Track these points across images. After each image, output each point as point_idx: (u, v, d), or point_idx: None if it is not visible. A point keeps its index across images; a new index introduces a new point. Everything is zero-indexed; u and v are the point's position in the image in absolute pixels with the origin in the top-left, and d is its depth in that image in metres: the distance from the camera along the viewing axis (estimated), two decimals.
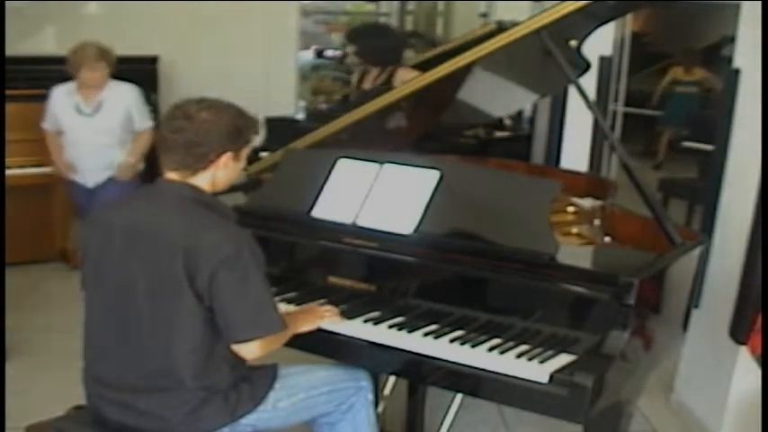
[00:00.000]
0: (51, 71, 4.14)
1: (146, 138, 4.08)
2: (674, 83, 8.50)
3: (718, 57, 8.30)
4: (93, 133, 3.96)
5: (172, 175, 1.94)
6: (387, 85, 3.86)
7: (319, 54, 10.91)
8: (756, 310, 2.63)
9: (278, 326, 1.90)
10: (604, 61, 4.05)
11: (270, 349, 1.93)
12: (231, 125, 1.93)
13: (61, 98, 3.99)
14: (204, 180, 1.94)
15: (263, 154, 4.15)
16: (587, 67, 2.98)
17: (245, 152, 2.02)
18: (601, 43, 3.81)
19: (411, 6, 10.10)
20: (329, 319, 2.11)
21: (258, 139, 4.53)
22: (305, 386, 2.08)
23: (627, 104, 6.97)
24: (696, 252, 2.31)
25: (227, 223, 1.92)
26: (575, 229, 2.56)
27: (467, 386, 2.02)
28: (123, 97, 4.00)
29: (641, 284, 1.90)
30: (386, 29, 4.78)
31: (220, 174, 1.95)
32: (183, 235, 1.82)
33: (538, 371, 1.86)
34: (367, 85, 4.16)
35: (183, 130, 1.88)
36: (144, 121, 4.10)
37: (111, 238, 1.92)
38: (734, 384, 2.86)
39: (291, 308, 2.20)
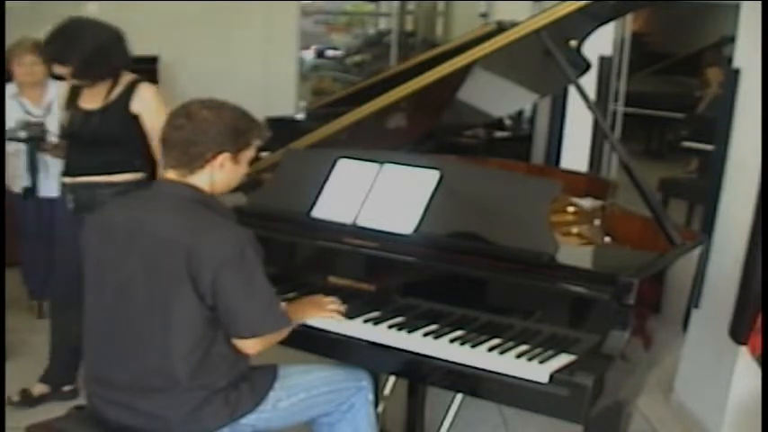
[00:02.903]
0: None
1: None
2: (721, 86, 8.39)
3: (719, 56, 8.30)
4: (49, 138, 3.45)
5: (170, 175, 1.94)
6: (125, 107, 2.95)
7: (320, 54, 10.92)
8: (756, 310, 2.63)
9: (284, 322, 1.94)
10: (604, 61, 4.05)
11: (271, 343, 1.95)
12: (230, 125, 1.92)
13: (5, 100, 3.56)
14: (202, 180, 1.94)
15: (264, 154, 4.16)
16: (587, 67, 2.99)
17: (247, 155, 2.01)
18: (601, 43, 3.82)
19: (411, 6, 10.10)
20: (330, 314, 2.11)
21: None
22: (305, 386, 2.08)
23: (627, 104, 6.97)
24: (696, 252, 2.31)
25: (229, 223, 1.93)
26: (575, 229, 2.56)
27: (467, 386, 2.02)
28: None
29: (641, 284, 1.90)
30: (85, 24, 3.04)
31: (218, 175, 1.94)
32: (186, 235, 1.83)
33: (538, 371, 1.86)
34: (89, 104, 2.99)
35: (183, 127, 1.89)
36: None
37: (111, 238, 1.92)
38: (734, 384, 2.86)
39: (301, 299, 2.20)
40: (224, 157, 1.93)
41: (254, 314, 1.87)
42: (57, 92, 3.64)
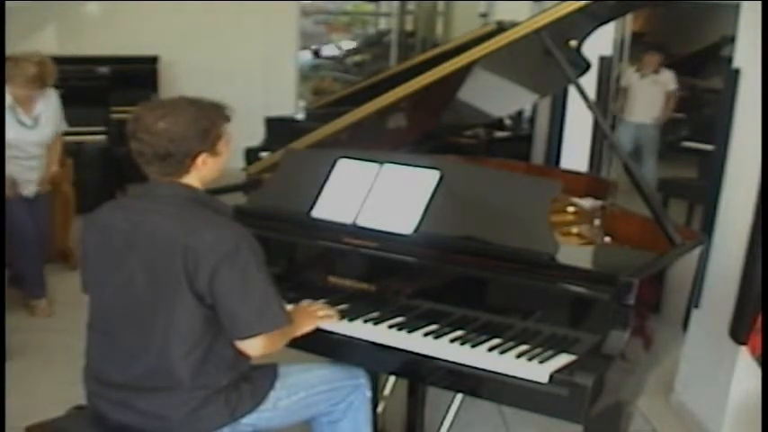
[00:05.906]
0: None
1: (60, 143, 4.06)
2: None
3: (717, 57, 8.30)
4: (34, 146, 3.85)
5: (161, 179, 1.94)
6: None
7: (316, 54, 10.92)
8: (756, 310, 2.63)
9: (282, 321, 1.91)
10: (604, 61, 4.05)
11: (274, 347, 1.94)
12: (193, 129, 1.88)
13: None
14: (192, 180, 1.94)
15: (264, 154, 4.16)
16: (587, 67, 2.99)
17: (223, 143, 1.96)
18: (601, 43, 3.81)
19: (411, 6, 10.12)
20: (325, 320, 2.11)
21: (258, 139, 4.55)
22: (305, 385, 2.08)
23: None
24: (696, 252, 2.31)
25: (225, 221, 1.92)
26: (575, 229, 2.56)
27: (467, 386, 2.02)
28: (51, 105, 3.91)
29: (641, 284, 1.90)
30: None
31: (204, 171, 1.94)
32: (182, 234, 1.83)
33: (538, 371, 1.86)
34: None
35: (148, 144, 1.86)
36: (63, 125, 4.04)
37: (110, 238, 1.92)
38: (734, 384, 2.86)
39: (291, 308, 2.20)
40: (203, 157, 1.91)
41: (249, 313, 1.85)
42: (44, 104, 3.81)
